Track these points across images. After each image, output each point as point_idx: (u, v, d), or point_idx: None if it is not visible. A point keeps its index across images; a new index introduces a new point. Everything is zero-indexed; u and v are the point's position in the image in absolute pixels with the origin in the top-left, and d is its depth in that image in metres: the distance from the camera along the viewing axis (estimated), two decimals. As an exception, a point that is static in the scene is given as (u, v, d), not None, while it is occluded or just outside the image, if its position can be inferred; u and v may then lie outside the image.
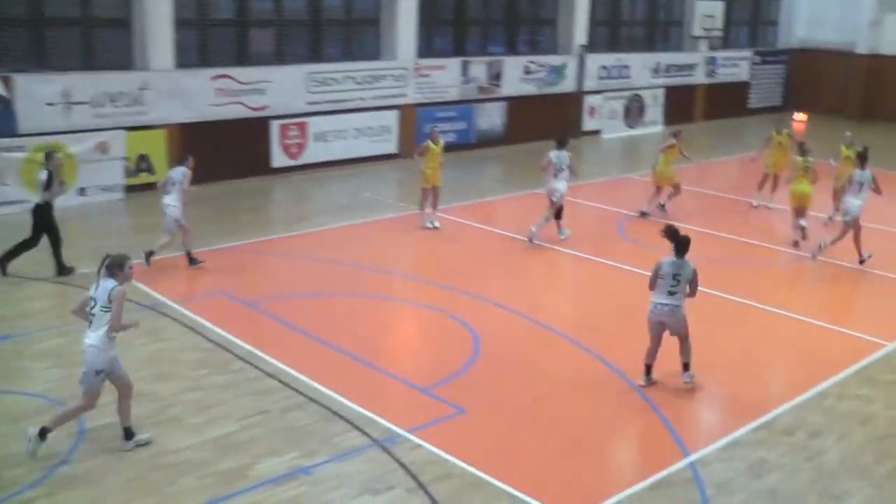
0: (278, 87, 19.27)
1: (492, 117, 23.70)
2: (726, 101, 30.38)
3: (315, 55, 20.57)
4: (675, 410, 9.23)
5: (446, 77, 22.53)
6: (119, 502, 7.36)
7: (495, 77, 23.58)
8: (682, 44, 29.47)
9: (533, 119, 24.11)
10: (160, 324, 11.04)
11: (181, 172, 13.00)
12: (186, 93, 17.96)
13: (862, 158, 14.26)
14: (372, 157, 20.92)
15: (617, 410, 9.31)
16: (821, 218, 16.13)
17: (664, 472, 8.00)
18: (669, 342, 9.64)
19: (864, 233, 14.14)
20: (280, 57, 20.02)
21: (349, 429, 8.57)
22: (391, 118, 21.37)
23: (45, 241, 12.62)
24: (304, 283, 12.83)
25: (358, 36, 21.52)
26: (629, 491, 7.72)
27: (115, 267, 7.98)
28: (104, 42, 17.65)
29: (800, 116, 19.72)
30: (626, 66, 27.17)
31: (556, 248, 14.77)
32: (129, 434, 8.14)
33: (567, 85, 25.36)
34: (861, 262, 14.08)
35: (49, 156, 12.76)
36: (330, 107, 20.23)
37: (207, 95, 18.28)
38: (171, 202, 12.94)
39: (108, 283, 7.91)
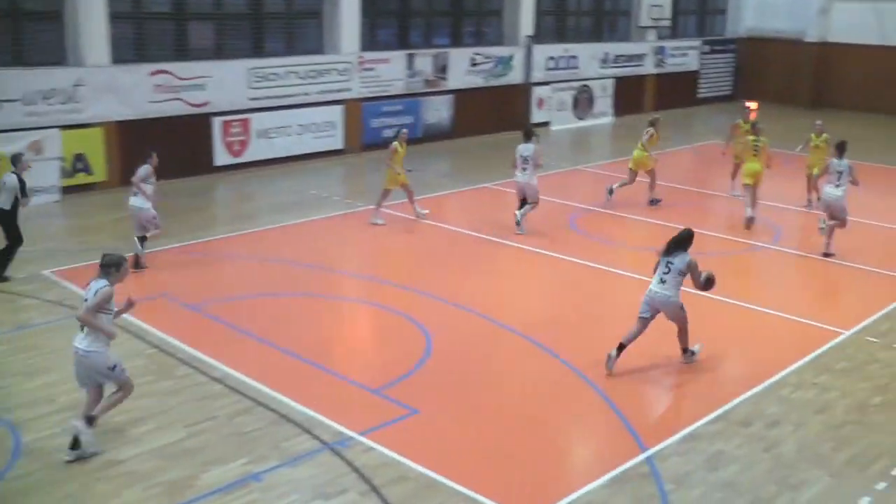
0: (219, 83, 18.86)
1: (439, 111, 23.48)
2: (676, 91, 30.50)
3: (257, 49, 20.20)
4: (632, 405, 9.14)
5: (391, 70, 22.26)
6: (59, 518, 7.05)
7: (441, 70, 23.36)
8: (630, 34, 29.53)
9: (480, 112, 24.00)
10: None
11: (145, 170, 12.68)
12: (124, 89, 17.47)
13: (840, 149, 14.29)
14: (317, 154, 20.64)
15: (572, 407, 9.19)
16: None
17: (621, 468, 7.89)
18: (644, 337, 9.74)
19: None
20: (220, 51, 19.63)
21: (299, 432, 8.35)
22: (336, 113, 21.06)
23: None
24: (250, 284, 12.53)
25: (300, 29, 21.17)
26: (586, 488, 7.60)
27: (111, 266, 7.78)
28: (35, 36, 17.03)
29: (751, 105, 19.88)
30: (574, 57, 27.10)
31: (509, 242, 14.63)
32: (90, 420, 7.78)
33: (514, 76, 25.23)
34: (825, 254, 14.05)
35: (16, 158, 12.26)
36: (273, 102, 19.88)
37: (146, 92, 17.81)
38: (140, 204, 12.65)
39: (99, 283, 7.71)
